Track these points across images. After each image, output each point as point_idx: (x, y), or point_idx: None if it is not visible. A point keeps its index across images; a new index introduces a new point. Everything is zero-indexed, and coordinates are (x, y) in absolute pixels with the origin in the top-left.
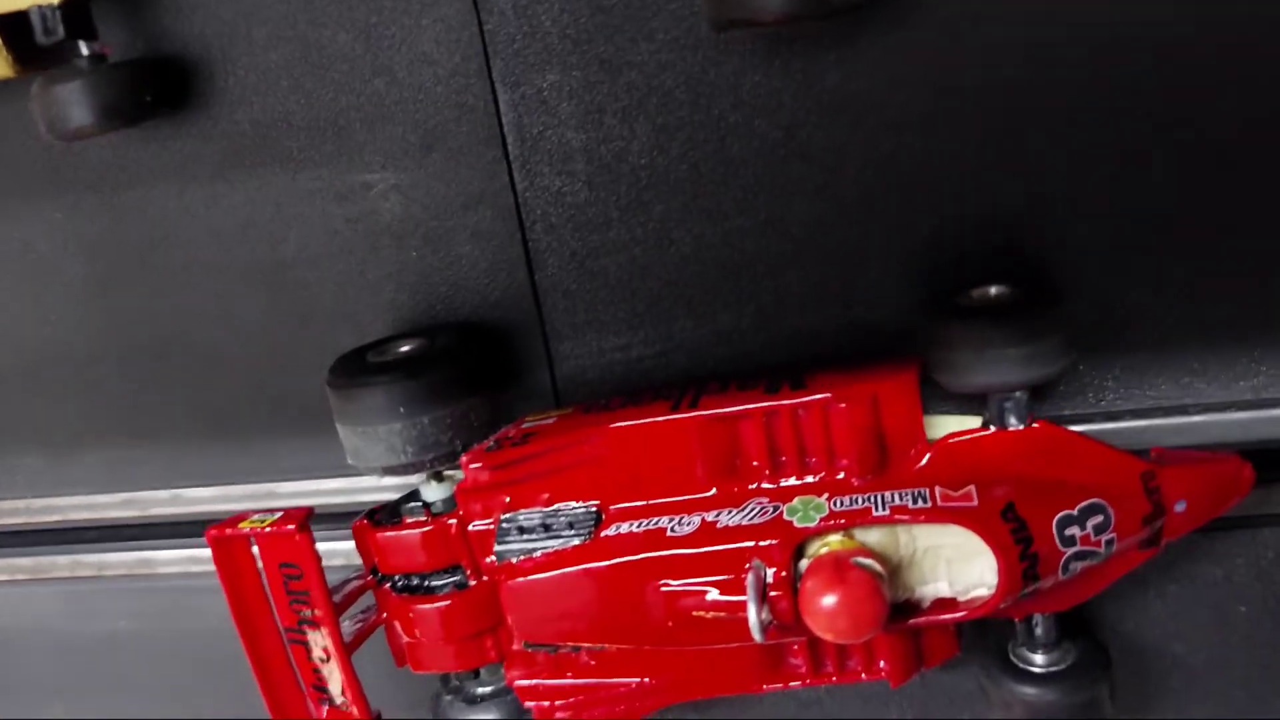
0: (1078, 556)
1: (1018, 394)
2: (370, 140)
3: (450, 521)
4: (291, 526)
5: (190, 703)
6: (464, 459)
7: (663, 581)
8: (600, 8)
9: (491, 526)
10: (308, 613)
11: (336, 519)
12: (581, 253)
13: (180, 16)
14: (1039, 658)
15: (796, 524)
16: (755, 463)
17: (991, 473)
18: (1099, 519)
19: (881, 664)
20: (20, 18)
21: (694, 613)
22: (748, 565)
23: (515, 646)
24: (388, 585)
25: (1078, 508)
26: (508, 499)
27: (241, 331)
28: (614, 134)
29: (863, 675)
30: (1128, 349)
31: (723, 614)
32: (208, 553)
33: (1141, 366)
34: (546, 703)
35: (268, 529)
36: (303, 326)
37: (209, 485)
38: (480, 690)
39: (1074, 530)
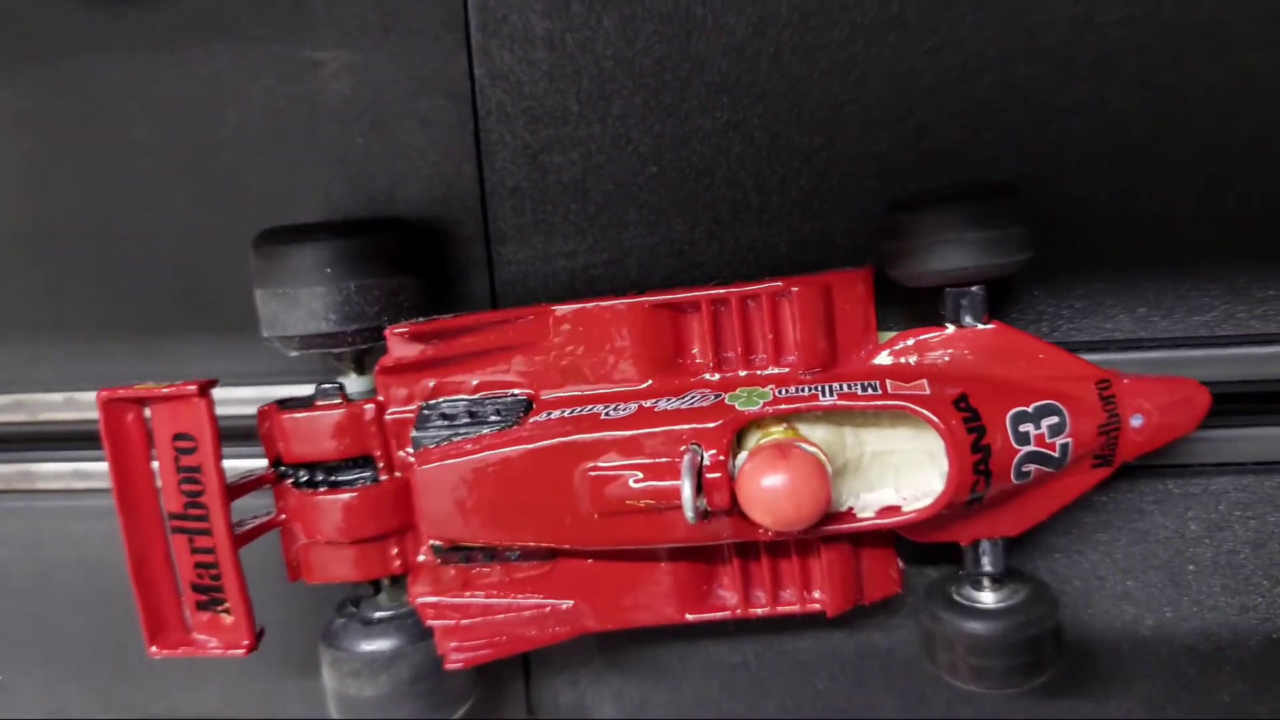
0: (1032, 458)
1: (974, 289)
2: (327, 17)
3: (367, 406)
4: (192, 388)
5: (52, 645)
6: (389, 329)
7: (592, 464)
8: None
9: (410, 413)
10: (198, 494)
11: (246, 438)
12: (535, 147)
13: None
14: (986, 595)
15: (739, 408)
16: (699, 357)
17: (945, 370)
18: (1054, 420)
19: (817, 594)
20: None
21: (625, 500)
22: (684, 448)
23: (421, 557)
24: (289, 481)
25: (1033, 406)
26: (431, 383)
27: (165, 217)
28: (580, 23)
29: (797, 607)
30: (1086, 279)
31: (654, 501)
32: (96, 467)
33: (1099, 296)
34: (449, 622)
35: (165, 390)
36: (230, 215)
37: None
38: (378, 614)
39: (1028, 427)
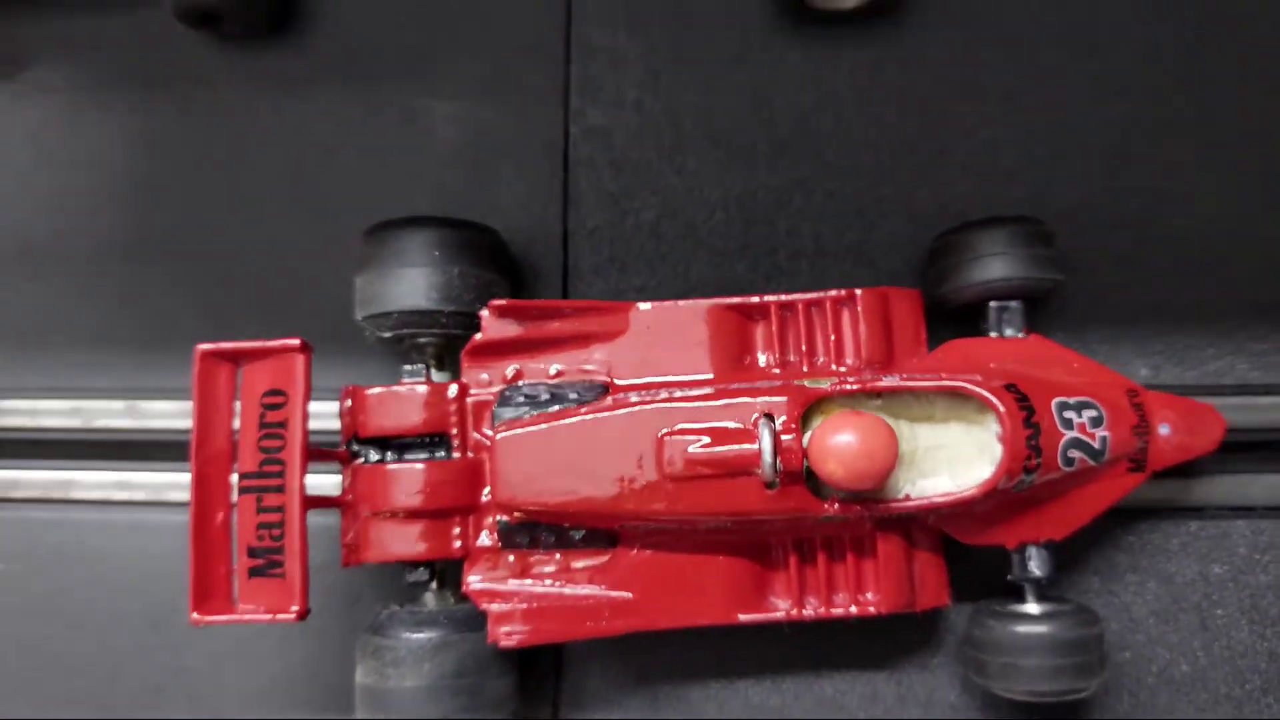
0: (1076, 444)
1: (1013, 303)
2: (446, 71)
3: (451, 386)
4: (294, 342)
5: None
6: (489, 303)
7: (669, 430)
8: None
9: (491, 396)
10: (277, 449)
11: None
12: (616, 193)
13: None
14: (1032, 605)
15: (808, 386)
16: (765, 357)
17: (992, 370)
18: (1093, 413)
19: (869, 595)
20: None
21: (700, 463)
22: (757, 415)
23: (484, 541)
24: (360, 460)
25: (1073, 399)
26: (513, 369)
27: (266, 237)
28: (666, 93)
29: (853, 609)
30: (1107, 327)
31: (729, 466)
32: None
33: (1119, 342)
34: (503, 606)
35: (266, 345)
36: (330, 239)
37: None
38: (428, 607)
39: (1071, 415)
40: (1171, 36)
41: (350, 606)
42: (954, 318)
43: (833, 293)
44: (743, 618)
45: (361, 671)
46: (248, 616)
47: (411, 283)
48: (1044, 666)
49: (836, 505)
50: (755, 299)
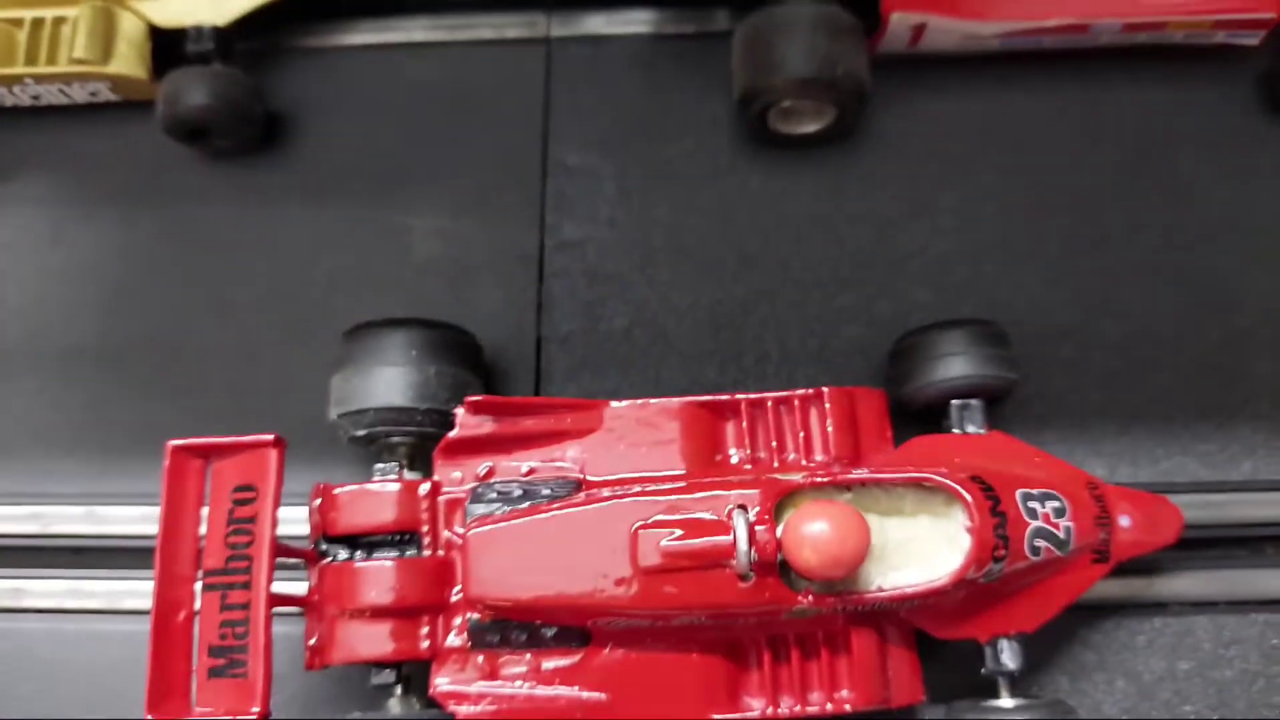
0: (1041, 534)
1: (974, 401)
2: (425, 189)
3: (423, 484)
4: (267, 438)
5: None
6: (466, 398)
7: (642, 523)
8: (642, 116)
9: (464, 493)
10: (245, 544)
11: None
12: (589, 301)
13: (290, 75)
14: (1007, 700)
15: (780, 479)
16: (736, 454)
17: (956, 464)
18: (1056, 504)
19: (844, 693)
20: (172, 34)
21: (674, 558)
22: (730, 508)
23: (453, 641)
24: (329, 558)
25: (1036, 490)
26: (486, 466)
27: (244, 342)
28: (638, 210)
29: (827, 706)
30: (1061, 428)
31: (703, 558)
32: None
33: (1071, 444)
34: (472, 708)
35: (239, 440)
36: (308, 345)
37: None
38: (390, 717)
39: (1035, 505)
40: (1102, 156)
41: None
42: (917, 418)
43: (800, 392)
44: (717, 718)
45: None
46: (205, 717)
47: (389, 381)
48: None
49: (810, 597)
50: (726, 396)
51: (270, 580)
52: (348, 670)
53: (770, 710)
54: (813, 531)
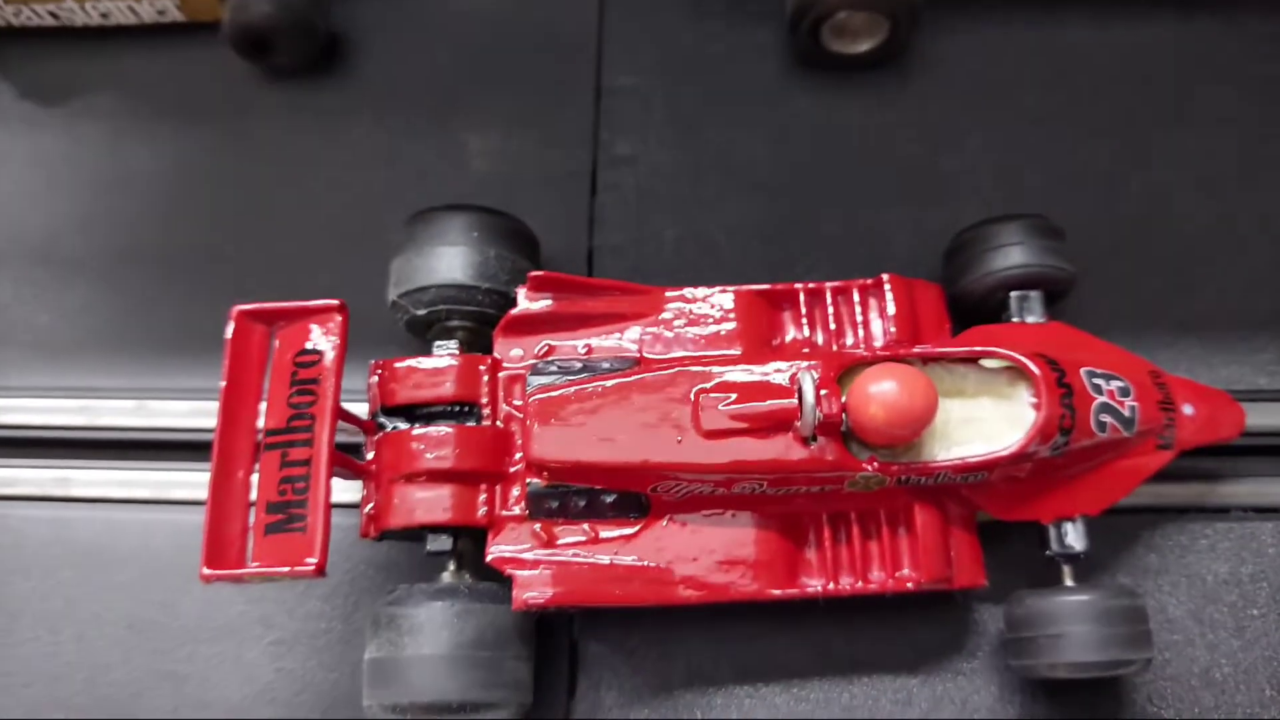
0: (1107, 410)
1: (1033, 293)
2: (481, 107)
3: (485, 360)
4: (334, 302)
5: None
6: (529, 273)
7: (707, 386)
8: (694, 43)
9: (524, 369)
10: (308, 404)
11: None
12: (640, 215)
13: (354, 3)
14: (1070, 581)
15: (843, 350)
16: (794, 338)
17: (1018, 348)
18: (1120, 384)
19: (907, 570)
20: None
21: (737, 420)
22: (796, 370)
23: (510, 510)
24: (388, 429)
25: (1100, 370)
26: (545, 344)
27: (294, 255)
28: (691, 128)
29: (889, 584)
30: (1115, 332)
31: (770, 414)
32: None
33: (1128, 348)
34: (529, 572)
35: (305, 305)
36: (358, 256)
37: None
38: (447, 580)
39: (1100, 382)
40: (1148, 86)
41: (349, 615)
42: (974, 313)
43: (860, 281)
44: (775, 593)
45: (373, 647)
46: (262, 570)
47: (449, 260)
48: (1090, 634)
49: (875, 464)
50: (783, 286)
51: (333, 437)
52: (390, 571)
53: (831, 587)
54: (880, 389)
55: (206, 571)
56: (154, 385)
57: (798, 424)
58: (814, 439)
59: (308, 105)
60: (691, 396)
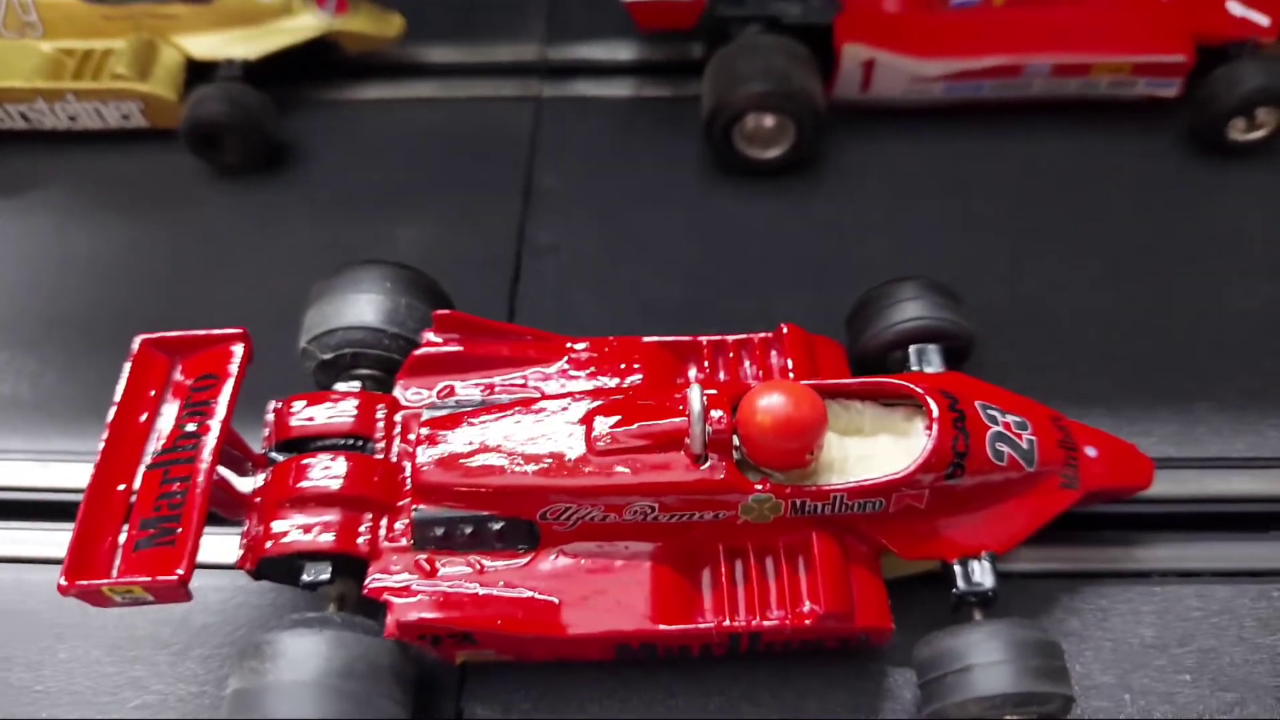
0: (1002, 439)
1: (932, 346)
2: (415, 209)
3: (383, 400)
4: (236, 330)
5: None
6: (435, 312)
7: (599, 408)
8: (620, 154)
9: (422, 407)
10: (199, 422)
11: None
12: (560, 296)
13: (303, 118)
14: (979, 615)
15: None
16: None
17: None
18: (1017, 419)
19: (807, 606)
20: (206, 68)
21: (629, 438)
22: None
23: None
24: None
25: (995, 406)
26: (448, 385)
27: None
28: (613, 223)
29: (787, 620)
30: None
31: (660, 432)
32: None
33: None
34: (407, 600)
35: (208, 333)
36: (282, 333)
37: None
38: (320, 613)
39: (995, 414)
40: (1038, 194)
41: (225, 680)
42: (875, 371)
43: (761, 335)
44: (665, 627)
45: (236, 678)
46: (122, 580)
47: (359, 306)
48: (1002, 666)
49: (766, 485)
50: (688, 338)
51: (217, 454)
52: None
53: (726, 623)
54: (768, 400)
55: (63, 583)
56: (62, 448)
57: (688, 441)
58: (705, 458)
59: (252, 200)
60: (583, 418)
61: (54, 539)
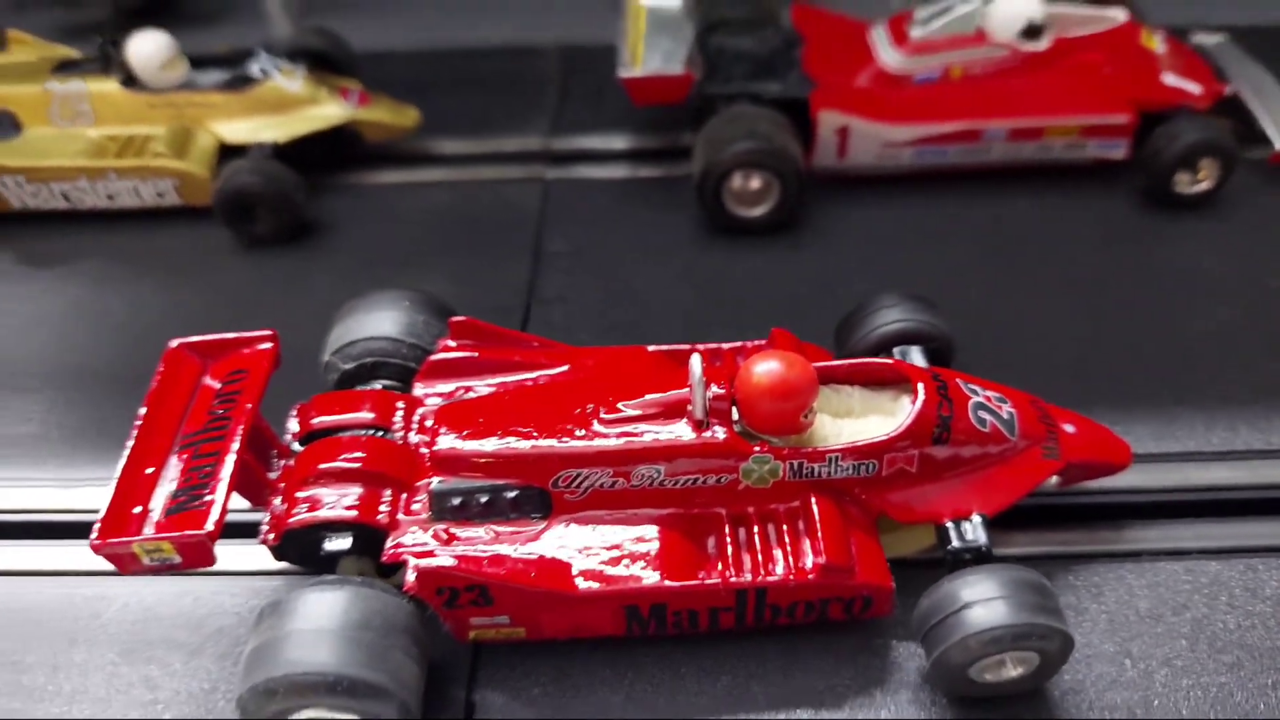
0: (983, 408)
1: (913, 347)
2: (430, 270)
3: (402, 397)
4: (267, 332)
5: None
6: (451, 319)
7: (605, 385)
8: (621, 222)
9: (442, 401)
10: (228, 407)
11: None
12: (565, 331)
13: (329, 200)
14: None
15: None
16: None
17: None
18: (996, 394)
19: (809, 561)
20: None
21: (636, 408)
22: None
23: (410, 511)
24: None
25: (974, 383)
26: (464, 387)
27: None
28: (615, 276)
29: (790, 575)
30: None
31: (665, 402)
32: None
33: None
34: (426, 563)
35: (238, 336)
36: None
37: None
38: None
39: (975, 387)
40: (1000, 252)
41: None
42: None
43: (754, 342)
44: (672, 583)
45: (254, 636)
46: (153, 536)
47: (379, 319)
48: (999, 602)
49: (764, 447)
50: (686, 346)
51: (248, 432)
52: None
53: (733, 577)
54: (763, 365)
55: (96, 541)
56: (87, 475)
57: (690, 409)
58: (706, 423)
59: (278, 266)
60: (593, 393)
61: (76, 554)
